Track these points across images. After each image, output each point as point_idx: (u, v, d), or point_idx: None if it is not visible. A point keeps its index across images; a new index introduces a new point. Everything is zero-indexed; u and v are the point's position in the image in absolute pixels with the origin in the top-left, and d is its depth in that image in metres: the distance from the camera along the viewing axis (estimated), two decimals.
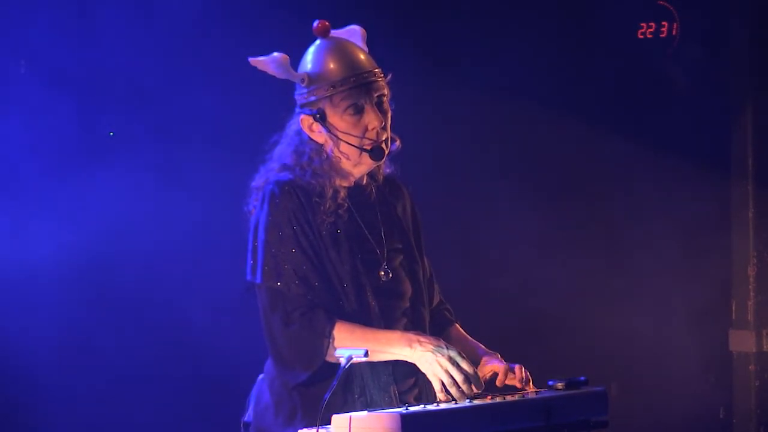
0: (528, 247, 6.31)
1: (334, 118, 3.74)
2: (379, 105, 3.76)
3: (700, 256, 6.27)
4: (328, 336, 3.59)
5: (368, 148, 3.73)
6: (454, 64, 6.16)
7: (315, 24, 3.80)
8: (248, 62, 3.76)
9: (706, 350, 6.29)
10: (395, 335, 3.63)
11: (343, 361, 3.43)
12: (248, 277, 3.73)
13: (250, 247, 3.73)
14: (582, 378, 3.59)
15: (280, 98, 3.86)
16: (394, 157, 3.89)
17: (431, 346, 3.59)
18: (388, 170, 3.93)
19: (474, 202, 6.22)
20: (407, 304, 3.84)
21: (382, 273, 3.79)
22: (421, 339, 3.61)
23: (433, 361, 3.57)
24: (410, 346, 3.59)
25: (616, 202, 6.49)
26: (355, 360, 3.43)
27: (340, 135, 3.73)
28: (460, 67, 6.17)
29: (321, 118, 3.74)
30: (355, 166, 3.78)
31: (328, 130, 3.74)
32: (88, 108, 5.41)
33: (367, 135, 3.73)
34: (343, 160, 3.77)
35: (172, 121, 5.56)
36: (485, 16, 6.22)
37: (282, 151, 3.82)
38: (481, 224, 6.23)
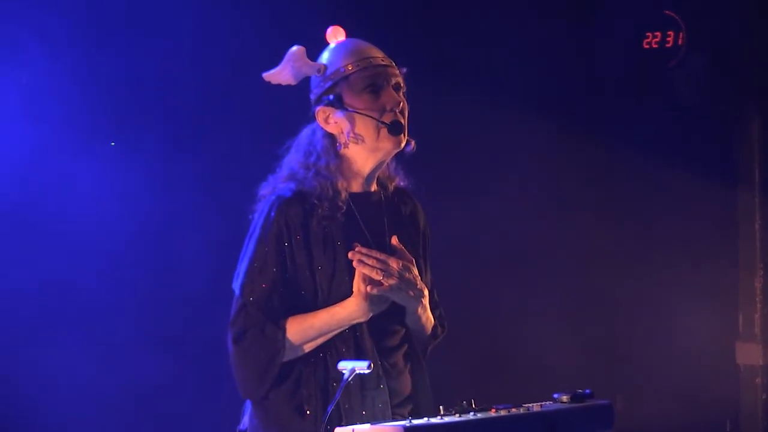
0: (532, 256, 6.29)
1: (351, 99, 3.72)
2: (396, 91, 3.75)
3: (706, 267, 6.25)
4: (282, 340, 3.61)
5: (385, 122, 3.69)
6: (456, 71, 6.17)
7: (329, 30, 3.84)
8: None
9: (713, 363, 6.27)
10: (346, 303, 3.63)
11: (346, 373, 3.41)
12: (233, 286, 3.72)
13: (241, 256, 3.73)
14: (587, 391, 3.56)
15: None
16: (407, 170, 3.88)
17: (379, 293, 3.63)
18: (402, 183, 3.90)
19: (476, 208, 6.20)
20: (399, 318, 3.79)
21: None
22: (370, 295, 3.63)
23: (396, 293, 3.64)
24: (360, 304, 3.62)
25: (619, 213, 6.48)
26: (358, 372, 3.41)
27: (358, 112, 3.69)
28: (462, 74, 6.18)
29: (338, 100, 3.71)
30: (371, 152, 3.73)
31: (346, 110, 3.69)
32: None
33: (385, 114, 3.71)
34: (356, 152, 3.73)
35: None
36: (489, 26, 6.22)
37: (291, 157, 3.80)
38: (485, 232, 6.21)
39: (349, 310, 3.63)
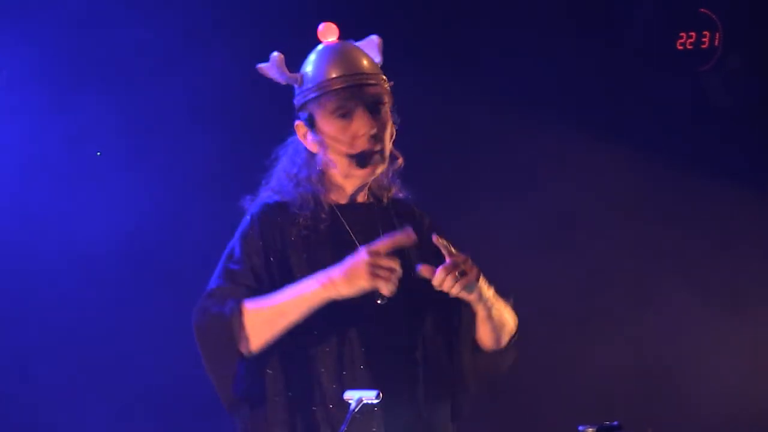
0: (557, 280, 6.12)
1: (322, 122, 3.51)
2: (374, 111, 3.50)
3: (746, 293, 6.11)
4: (239, 316, 3.33)
5: (353, 154, 3.48)
6: (478, 74, 6.04)
7: (320, 27, 3.64)
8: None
9: (754, 395, 6.15)
10: (308, 280, 3.34)
11: (352, 403, 3.21)
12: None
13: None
14: (615, 423, 3.38)
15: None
16: (406, 181, 3.67)
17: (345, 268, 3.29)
18: (400, 194, 3.67)
19: (493, 220, 6.05)
20: (404, 335, 3.52)
21: (378, 301, 3.46)
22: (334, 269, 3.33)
23: (358, 276, 3.28)
24: (322, 282, 3.31)
25: (649, 228, 6.29)
26: (365, 402, 3.20)
27: (327, 141, 3.49)
28: (483, 77, 6.05)
29: (310, 122, 3.51)
30: (346, 177, 3.53)
31: (316, 135, 3.51)
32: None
33: (355, 142, 3.48)
34: (334, 174, 3.54)
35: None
36: (511, 23, 6.09)
37: (278, 166, 3.62)
38: (501, 245, 6.05)
39: (330, 273, 3.30)
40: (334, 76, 3.50)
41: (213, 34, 5.58)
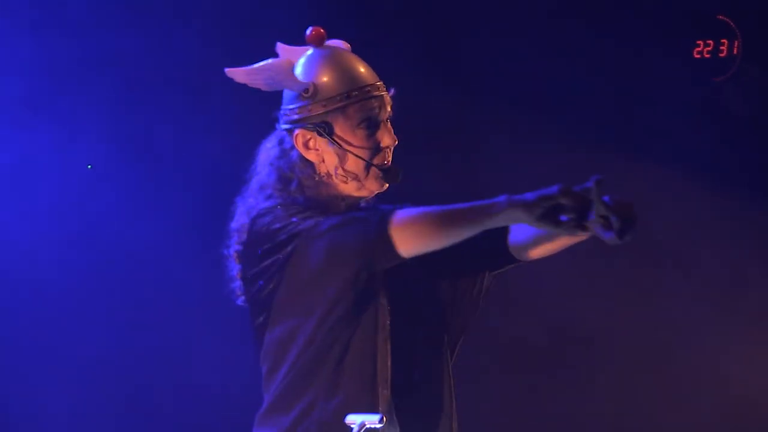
0: (560, 282, 6.05)
1: (344, 131, 3.39)
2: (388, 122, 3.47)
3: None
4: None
5: (381, 167, 3.41)
6: (483, 82, 6.04)
7: (309, 31, 3.50)
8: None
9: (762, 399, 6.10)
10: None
11: (354, 427, 3.13)
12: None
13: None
14: None
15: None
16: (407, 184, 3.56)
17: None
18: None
19: None
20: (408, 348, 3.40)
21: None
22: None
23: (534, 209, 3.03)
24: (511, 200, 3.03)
25: (658, 233, 6.16)
26: (368, 426, 3.12)
27: (351, 149, 3.38)
28: (487, 86, 6.04)
29: (328, 131, 3.38)
30: (356, 190, 3.43)
31: (334, 144, 3.38)
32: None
33: (378, 156, 3.41)
34: (341, 184, 3.43)
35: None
36: (522, 32, 6.06)
37: (261, 180, 3.46)
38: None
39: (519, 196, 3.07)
40: (360, 85, 3.41)
41: (213, 34, 5.59)
